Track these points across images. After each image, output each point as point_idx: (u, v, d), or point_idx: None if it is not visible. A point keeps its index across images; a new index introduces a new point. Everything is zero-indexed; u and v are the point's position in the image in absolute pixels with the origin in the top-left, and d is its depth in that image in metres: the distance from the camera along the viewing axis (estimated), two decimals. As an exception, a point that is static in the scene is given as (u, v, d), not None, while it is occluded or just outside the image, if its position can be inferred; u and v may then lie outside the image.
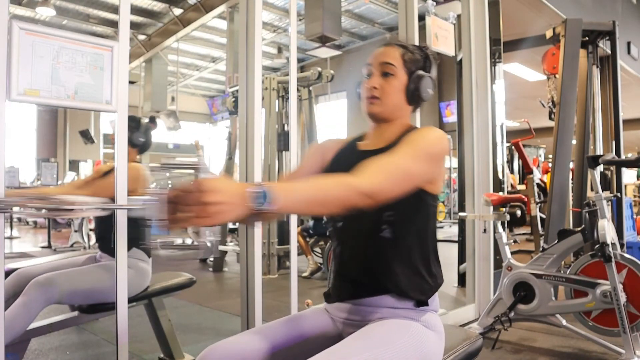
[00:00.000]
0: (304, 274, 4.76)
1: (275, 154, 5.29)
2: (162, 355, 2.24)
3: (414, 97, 1.15)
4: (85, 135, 9.39)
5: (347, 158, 1.16)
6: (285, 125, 5.39)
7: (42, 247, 6.98)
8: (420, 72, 1.15)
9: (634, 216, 4.61)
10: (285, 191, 0.79)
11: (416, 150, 1.01)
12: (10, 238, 8.16)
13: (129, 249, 1.96)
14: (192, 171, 0.78)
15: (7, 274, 2.08)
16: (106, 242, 2.12)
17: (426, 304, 1.09)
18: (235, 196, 0.73)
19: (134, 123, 2.18)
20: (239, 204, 0.74)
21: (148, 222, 0.72)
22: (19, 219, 10.89)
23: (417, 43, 1.28)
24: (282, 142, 5.26)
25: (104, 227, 2.12)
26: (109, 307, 1.88)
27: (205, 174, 0.78)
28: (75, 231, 6.51)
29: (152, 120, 2.34)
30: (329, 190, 0.86)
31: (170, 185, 0.75)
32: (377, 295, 1.09)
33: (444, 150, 1.05)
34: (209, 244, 0.90)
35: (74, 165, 12.56)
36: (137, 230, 2.03)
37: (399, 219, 1.07)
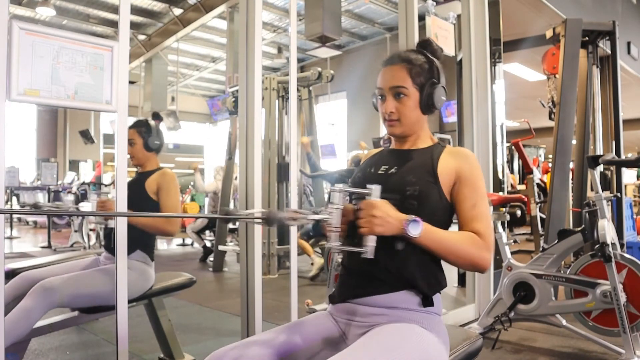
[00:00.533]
0: (311, 274, 4.67)
1: (275, 156, 5.28)
2: (162, 355, 2.24)
3: (428, 109, 1.21)
4: (85, 135, 9.39)
5: (376, 159, 1.29)
6: (286, 157, 5.35)
7: (42, 247, 6.98)
8: (431, 83, 1.19)
9: (634, 216, 4.61)
10: (431, 230, 1.04)
11: (483, 191, 1.16)
12: (10, 238, 8.16)
13: (132, 250, 1.97)
14: (363, 195, 1.04)
15: (8, 274, 2.08)
16: (112, 243, 2.13)
17: (432, 304, 1.10)
18: (394, 218, 1.00)
19: (145, 128, 2.21)
20: (395, 224, 1.00)
21: (325, 229, 1.05)
22: (19, 219, 10.89)
23: (417, 41, 1.28)
24: (282, 173, 5.25)
25: (112, 228, 2.12)
26: (110, 307, 1.88)
27: (373, 197, 1.02)
28: (75, 231, 6.51)
29: (156, 116, 2.35)
30: (462, 244, 1.06)
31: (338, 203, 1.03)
32: (384, 292, 1.09)
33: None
34: (371, 248, 1.07)
35: (74, 165, 12.57)
36: (142, 232, 2.04)
37: (419, 207, 1.11)
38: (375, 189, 1.03)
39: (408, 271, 1.09)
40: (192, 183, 11.71)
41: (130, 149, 2.18)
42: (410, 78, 1.18)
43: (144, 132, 2.21)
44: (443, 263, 1.17)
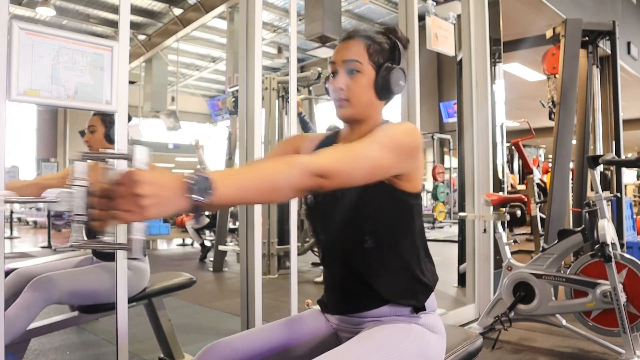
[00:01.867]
0: (317, 279, 4.64)
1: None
2: (162, 355, 2.24)
3: (384, 92, 1.07)
4: (85, 135, 9.37)
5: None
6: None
7: (42, 247, 6.98)
8: (388, 64, 1.06)
9: (634, 216, 4.61)
10: (227, 179, 0.71)
11: (382, 139, 0.93)
12: (10, 238, 8.16)
13: (125, 249, 1.95)
14: (123, 162, 0.68)
15: (7, 273, 2.08)
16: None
17: (423, 308, 1.06)
18: (169, 188, 0.65)
19: (110, 117, 2.09)
20: (175, 196, 0.65)
21: (71, 218, 0.73)
22: (19, 219, 10.89)
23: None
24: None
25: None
26: (109, 307, 1.87)
27: (138, 165, 0.69)
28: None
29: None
30: (277, 172, 0.77)
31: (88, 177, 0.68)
32: (372, 309, 1.06)
33: (416, 143, 0.98)
34: (140, 243, 0.75)
35: (74, 165, 12.56)
36: None
37: (380, 225, 1.03)
38: (138, 151, 0.70)
39: (390, 287, 1.04)
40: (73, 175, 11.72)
41: (89, 136, 2.08)
42: (367, 54, 1.05)
43: (108, 122, 2.08)
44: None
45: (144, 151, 0.69)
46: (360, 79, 1.05)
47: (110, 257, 1.95)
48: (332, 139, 1.17)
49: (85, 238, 0.70)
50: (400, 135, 0.96)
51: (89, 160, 0.72)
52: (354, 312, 1.08)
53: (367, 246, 1.04)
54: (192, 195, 0.65)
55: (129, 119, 2.27)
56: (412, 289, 1.05)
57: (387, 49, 1.08)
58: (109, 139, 2.10)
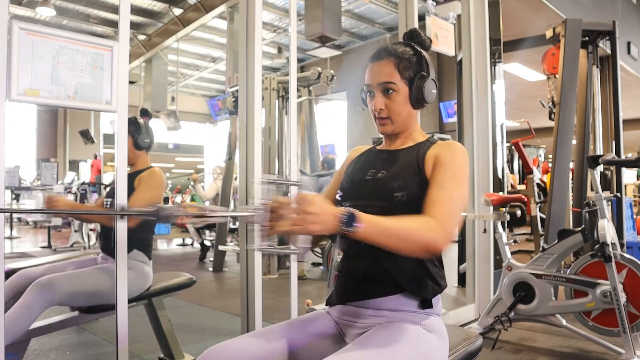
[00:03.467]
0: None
1: (275, 155, 5.28)
2: (162, 355, 2.24)
3: (419, 103, 1.17)
4: (85, 135, 9.38)
5: (365, 159, 1.25)
6: (285, 156, 5.33)
7: (42, 247, 6.98)
8: (419, 77, 1.14)
9: (634, 216, 4.61)
10: (370, 220, 0.89)
11: (457, 177, 1.07)
12: (10, 238, 8.16)
13: (130, 250, 1.97)
14: (295, 187, 0.88)
15: (8, 274, 2.08)
16: (109, 243, 2.12)
17: (430, 305, 1.09)
18: (329, 214, 0.85)
19: (132, 126, 2.16)
20: (331, 221, 0.85)
21: (253, 228, 0.93)
22: (19, 219, 10.89)
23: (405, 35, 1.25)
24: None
25: (109, 229, 2.12)
26: (109, 307, 1.88)
27: (305, 190, 0.91)
28: (75, 231, 6.52)
29: (145, 113, 2.31)
30: (411, 228, 0.93)
31: (270, 198, 0.88)
32: (384, 295, 1.08)
33: (468, 165, 1.13)
34: (304, 250, 0.97)
35: (74, 165, 12.56)
36: (139, 231, 2.04)
37: (409, 212, 1.06)
38: (308, 180, 0.94)
39: (406, 275, 1.08)
40: (192, 183, 11.70)
41: None
42: (398, 73, 1.13)
43: (133, 131, 2.16)
44: (445, 264, 1.17)
45: (311, 181, 0.96)
46: (396, 97, 1.14)
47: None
48: (374, 151, 1.27)
49: (266, 244, 0.89)
50: (464, 165, 1.11)
51: (269, 184, 0.95)
52: (365, 298, 1.10)
53: None
54: (342, 225, 0.86)
55: (149, 116, 2.31)
56: (423, 281, 1.09)
57: (415, 62, 1.15)
58: (138, 147, 2.19)
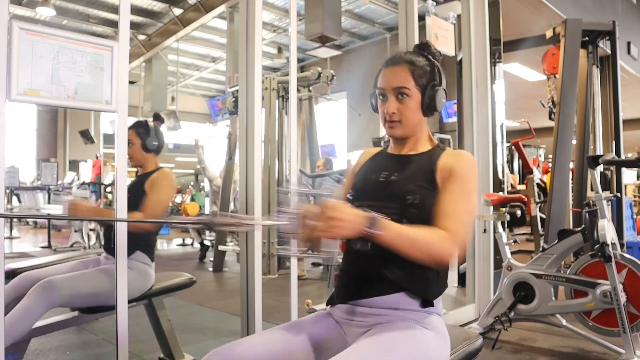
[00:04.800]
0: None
1: (275, 155, 5.29)
2: (162, 355, 2.24)
3: (430, 111, 1.20)
4: (85, 135, 9.37)
5: (375, 162, 1.27)
6: (285, 157, 5.31)
7: (42, 247, 6.98)
8: (432, 85, 1.18)
9: (634, 216, 4.61)
10: (392, 225, 0.96)
11: (467, 189, 1.11)
12: (10, 238, 8.16)
13: (132, 252, 1.97)
14: (321, 195, 0.92)
15: (8, 274, 2.08)
16: (112, 243, 2.13)
17: (432, 304, 1.09)
18: (353, 217, 0.92)
19: (143, 129, 2.21)
20: (356, 224, 0.92)
21: (285, 235, 1.01)
22: (19, 219, 10.89)
23: (417, 41, 1.28)
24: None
25: (111, 228, 2.12)
26: (109, 307, 1.88)
27: (329, 198, 0.95)
28: (75, 231, 6.52)
29: (157, 117, 2.35)
30: (426, 239, 0.99)
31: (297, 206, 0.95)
32: (385, 294, 1.09)
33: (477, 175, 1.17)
34: (334, 254, 1.04)
35: (74, 165, 12.56)
36: (144, 234, 2.04)
37: (419, 216, 1.09)
38: (329, 189, 0.99)
39: (408, 274, 1.08)
40: (192, 183, 11.70)
41: (128, 149, 2.17)
42: (412, 79, 1.17)
43: (142, 133, 2.20)
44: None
45: (336, 189, 0.93)
46: (409, 102, 1.17)
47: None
48: (386, 154, 1.29)
49: (299, 249, 0.99)
50: (474, 177, 1.15)
51: (293, 194, 0.95)
52: (367, 296, 1.10)
53: None
54: (366, 227, 0.93)
55: (162, 121, 2.34)
56: (425, 281, 1.10)
57: (429, 71, 1.19)
58: (146, 149, 2.21)
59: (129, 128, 2.19)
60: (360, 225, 0.92)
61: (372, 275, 1.11)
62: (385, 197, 1.14)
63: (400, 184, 1.15)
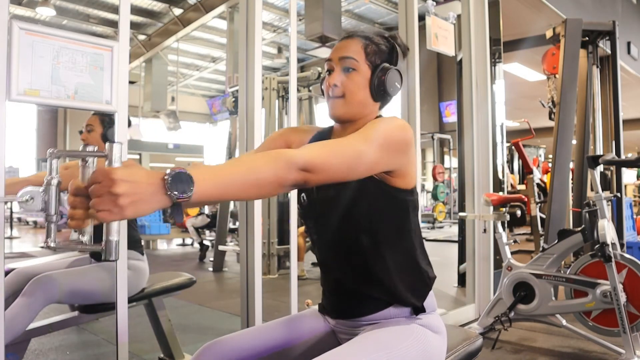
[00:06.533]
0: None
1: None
2: (162, 355, 2.23)
3: (379, 93, 1.06)
4: (85, 135, 9.35)
5: None
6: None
7: (42, 247, 6.97)
8: (385, 65, 1.06)
9: (634, 216, 4.61)
10: (208, 175, 0.68)
11: (371, 133, 0.91)
12: (10, 238, 8.16)
13: (119, 249, 1.95)
14: (93, 158, 0.66)
15: (7, 273, 2.07)
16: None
17: (422, 310, 1.05)
18: (147, 185, 0.63)
19: (108, 118, 2.10)
20: (153, 193, 0.63)
21: (48, 218, 0.76)
22: (19, 219, 10.89)
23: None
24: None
25: (99, 228, 2.10)
26: (109, 307, 1.87)
27: (115, 164, 0.66)
28: (75, 231, 6.50)
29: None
30: (260, 167, 0.74)
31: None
32: (370, 313, 1.05)
33: (406, 138, 0.95)
34: (116, 245, 0.56)
35: (74, 165, 12.55)
36: (127, 230, 2.02)
37: (374, 223, 1.02)
38: (116, 148, 0.66)
39: (390, 288, 1.03)
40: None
41: (86, 135, 2.09)
42: (364, 53, 1.04)
43: (106, 122, 2.09)
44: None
45: (120, 148, 0.65)
46: (355, 77, 1.04)
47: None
48: (325, 134, 1.15)
49: (57, 239, 0.67)
50: (389, 129, 0.94)
51: (67, 158, 0.70)
52: (352, 317, 1.07)
53: (362, 245, 1.02)
54: (171, 193, 0.64)
55: (129, 123, 2.28)
56: (410, 289, 1.04)
57: (385, 51, 1.08)
58: (106, 139, 2.10)
59: (94, 113, 2.09)
60: (159, 192, 0.64)
61: (354, 293, 1.06)
62: (335, 219, 1.03)
63: (345, 200, 1.01)
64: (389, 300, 1.03)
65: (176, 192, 0.64)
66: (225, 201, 0.88)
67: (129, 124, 2.27)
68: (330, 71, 1.07)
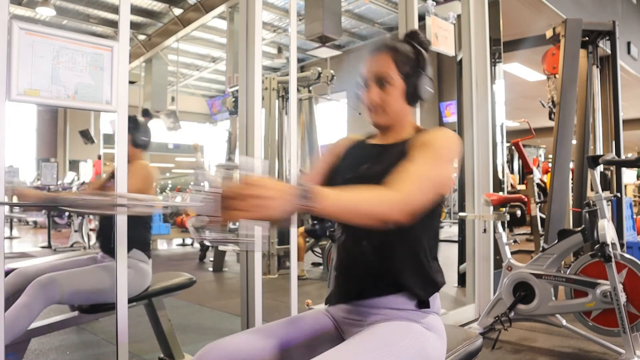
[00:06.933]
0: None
1: (275, 155, 5.29)
2: (162, 355, 2.24)
3: (414, 99, 1.16)
4: (85, 135, 9.38)
5: (358, 152, 1.23)
6: (285, 157, 5.32)
7: (42, 247, 6.98)
8: (416, 73, 1.14)
9: (634, 216, 4.61)
10: (329, 193, 0.83)
11: (436, 155, 1.03)
12: (10, 238, 8.16)
13: (129, 249, 1.96)
14: (242, 171, 0.81)
15: (7, 273, 2.08)
16: (108, 242, 2.12)
17: (428, 306, 1.09)
18: (283, 193, 0.77)
19: (132, 124, 2.16)
20: (287, 200, 0.77)
21: (201, 219, 0.87)
22: (19, 219, 10.89)
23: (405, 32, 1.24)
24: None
25: (106, 227, 2.12)
26: (109, 307, 1.88)
27: (253, 173, 0.80)
28: (75, 231, 6.52)
29: (146, 113, 2.33)
30: (369, 201, 0.88)
31: (215, 184, 0.79)
32: (382, 295, 1.09)
33: (458, 151, 1.08)
34: (266, 238, 0.88)
35: (74, 165, 12.55)
36: (137, 230, 2.03)
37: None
38: (248, 162, 0.82)
39: (404, 276, 1.08)
40: (192, 183, 11.69)
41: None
42: (395, 66, 1.13)
43: (131, 129, 2.08)
44: (442, 262, 1.17)
45: (261, 163, 0.82)
46: (390, 90, 1.14)
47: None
48: (367, 138, 1.27)
49: (220, 235, 0.83)
50: (447, 146, 1.06)
51: (222, 170, 0.85)
52: (363, 298, 1.10)
53: (390, 233, 1.02)
54: (300, 202, 0.79)
55: (150, 117, 2.30)
56: (421, 281, 1.09)
57: (413, 57, 1.16)
58: (135, 144, 2.19)
59: None
60: (291, 200, 0.78)
61: (369, 276, 1.11)
62: None
63: (378, 177, 1.05)
64: (400, 284, 1.08)
65: (304, 202, 0.79)
66: (335, 218, 0.95)
67: (149, 115, 2.29)
68: (365, 86, 1.17)
